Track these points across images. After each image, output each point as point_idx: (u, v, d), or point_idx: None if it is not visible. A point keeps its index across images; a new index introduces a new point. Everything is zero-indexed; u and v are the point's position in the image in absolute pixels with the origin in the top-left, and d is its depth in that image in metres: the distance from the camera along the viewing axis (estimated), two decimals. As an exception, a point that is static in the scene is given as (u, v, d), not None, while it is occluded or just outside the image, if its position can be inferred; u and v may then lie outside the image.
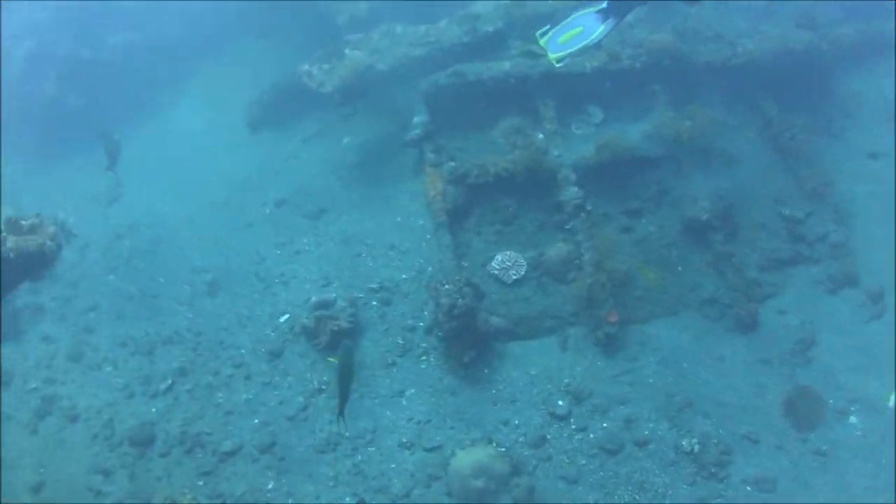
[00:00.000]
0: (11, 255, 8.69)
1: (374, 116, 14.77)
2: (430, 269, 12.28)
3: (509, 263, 11.86)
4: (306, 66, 13.83)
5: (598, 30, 9.10)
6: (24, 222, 9.15)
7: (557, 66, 9.33)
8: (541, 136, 12.83)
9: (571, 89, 13.30)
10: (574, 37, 9.15)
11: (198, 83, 17.81)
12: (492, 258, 12.04)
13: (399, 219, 13.25)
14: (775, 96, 13.41)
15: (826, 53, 13.52)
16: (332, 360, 10.86)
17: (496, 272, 11.86)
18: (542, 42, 9.22)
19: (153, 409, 11.82)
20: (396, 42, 13.96)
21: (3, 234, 8.82)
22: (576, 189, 11.98)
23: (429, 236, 12.66)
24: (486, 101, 13.41)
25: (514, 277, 11.82)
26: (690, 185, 12.50)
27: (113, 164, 13.77)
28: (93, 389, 12.36)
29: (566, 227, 12.06)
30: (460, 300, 10.73)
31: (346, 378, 9.16)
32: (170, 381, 12.07)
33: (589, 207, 12.01)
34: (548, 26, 9.27)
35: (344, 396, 9.11)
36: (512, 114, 13.34)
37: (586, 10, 9.22)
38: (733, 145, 13.03)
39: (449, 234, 12.09)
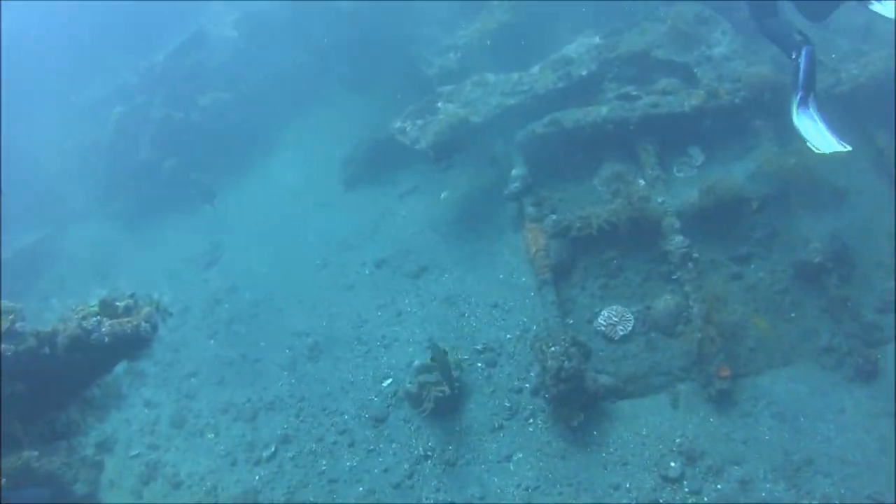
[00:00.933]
0: (106, 339, 9.06)
1: (471, 168, 14.94)
2: (534, 327, 12.32)
3: (616, 319, 11.89)
4: (399, 123, 14.14)
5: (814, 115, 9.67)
6: (118, 303, 9.46)
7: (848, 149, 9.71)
8: (642, 182, 12.87)
9: (671, 131, 13.24)
10: (815, 126, 9.67)
11: (290, 139, 18.29)
12: (598, 314, 12.03)
13: (501, 275, 13.35)
14: (886, 123, 13.01)
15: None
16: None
17: (603, 328, 11.88)
18: (821, 151, 9.70)
19: (256, 477, 12.12)
20: (489, 92, 14.17)
21: (99, 317, 9.21)
22: (681, 238, 11.94)
23: (532, 293, 12.72)
24: (585, 147, 13.46)
25: (622, 333, 11.81)
26: (801, 225, 12.27)
27: (210, 199, 14.49)
28: (196, 456, 12.78)
29: (673, 277, 12.00)
30: (567, 363, 10.79)
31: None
32: (273, 448, 12.37)
33: (696, 255, 11.93)
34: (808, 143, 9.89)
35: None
36: (612, 159, 13.35)
37: (796, 108, 9.72)
38: (844, 179, 12.68)
39: (553, 290, 12.17)
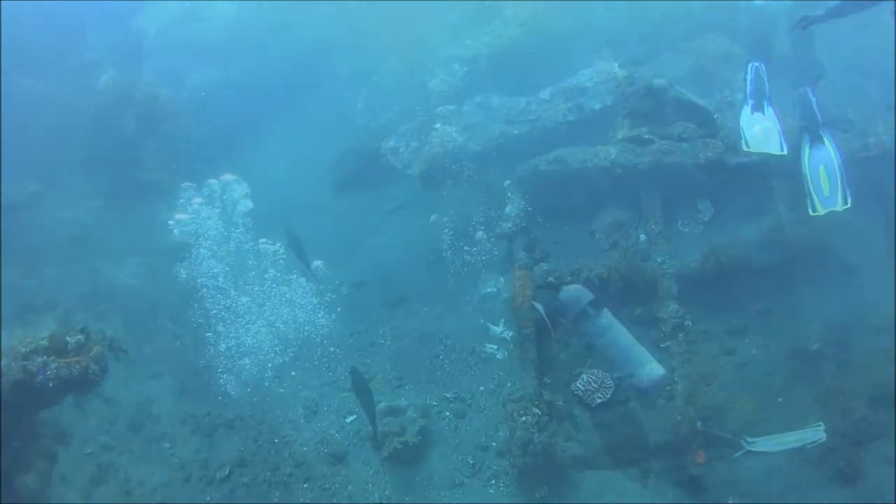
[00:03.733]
0: (51, 384, 9.05)
1: (464, 194, 14.64)
2: (509, 384, 12.30)
3: (595, 385, 11.80)
4: (392, 143, 13.96)
5: (829, 147, 10.03)
6: (69, 339, 9.48)
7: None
8: (643, 237, 12.71)
9: (681, 181, 13.03)
10: (829, 174, 9.90)
11: (282, 130, 18.14)
12: (577, 376, 11.95)
13: (483, 320, 13.25)
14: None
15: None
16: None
17: (580, 393, 11.84)
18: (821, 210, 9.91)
19: (208, 497, 12.14)
20: (492, 117, 13.95)
21: (45, 358, 9.17)
22: (676, 307, 11.85)
23: (512, 345, 12.63)
24: (588, 189, 13.25)
25: (599, 401, 11.77)
26: (803, 302, 12.14)
27: None
28: (149, 465, 12.79)
29: (662, 345, 11.90)
30: (536, 435, 10.76)
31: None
32: (227, 471, 12.41)
33: (689, 323, 11.85)
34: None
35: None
36: (614, 205, 13.20)
37: (810, 154, 9.99)
38: (855, 252, 12.49)
39: (534, 347, 12.01)
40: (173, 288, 15.17)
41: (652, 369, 9.80)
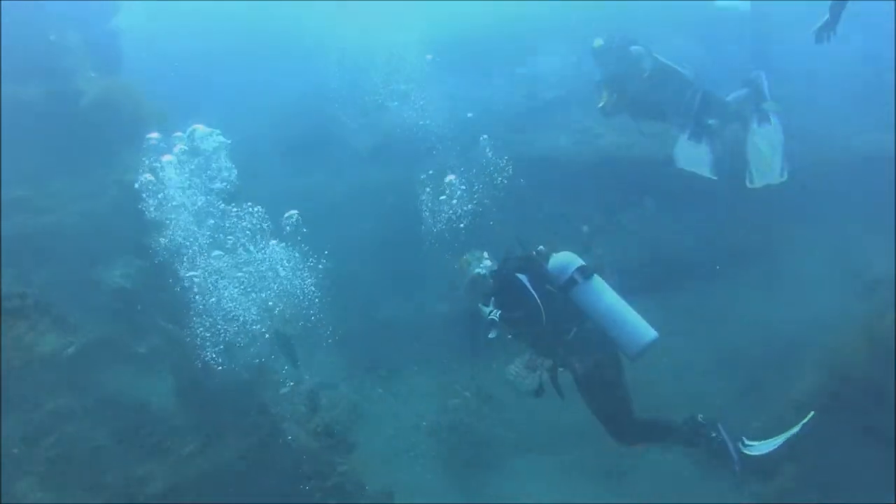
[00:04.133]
0: None
1: (415, 175, 14.74)
2: (442, 362, 12.40)
3: (527, 371, 11.92)
4: (343, 117, 13.95)
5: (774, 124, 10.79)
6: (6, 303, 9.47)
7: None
8: (585, 228, 12.82)
9: (629, 176, 13.15)
10: (771, 149, 10.17)
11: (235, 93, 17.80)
12: (512, 359, 12.09)
13: (422, 301, 13.39)
14: (862, 216, 12.67)
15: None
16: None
17: (513, 378, 11.94)
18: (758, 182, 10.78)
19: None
20: (447, 97, 14.00)
21: None
22: (613, 301, 11.95)
23: (448, 325, 12.74)
24: (536, 177, 13.32)
25: (532, 387, 11.83)
26: (742, 306, 12.28)
27: None
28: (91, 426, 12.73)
29: (597, 339, 12.00)
30: (465, 418, 10.89)
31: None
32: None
33: (625, 320, 11.93)
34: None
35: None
36: (560, 194, 13.29)
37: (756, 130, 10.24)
38: (801, 265, 12.61)
39: (469, 331, 12.13)
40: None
41: (645, 333, 9.86)
